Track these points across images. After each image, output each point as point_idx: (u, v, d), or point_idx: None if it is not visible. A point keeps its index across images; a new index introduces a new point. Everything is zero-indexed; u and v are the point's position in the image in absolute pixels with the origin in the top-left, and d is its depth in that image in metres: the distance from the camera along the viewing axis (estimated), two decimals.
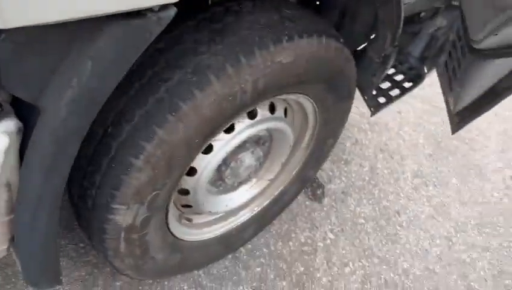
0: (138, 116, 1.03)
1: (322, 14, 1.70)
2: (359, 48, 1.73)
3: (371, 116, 1.82)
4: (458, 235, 2.17)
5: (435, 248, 2.07)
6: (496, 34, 1.49)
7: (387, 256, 1.98)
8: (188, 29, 1.11)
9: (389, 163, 2.46)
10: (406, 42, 2.00)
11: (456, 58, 1.86)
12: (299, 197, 2.11)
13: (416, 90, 2.67)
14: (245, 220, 1.69)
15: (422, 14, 1.79)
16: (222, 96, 1.06)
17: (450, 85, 1.95)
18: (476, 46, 1.58)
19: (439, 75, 2.14)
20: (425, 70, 2.03)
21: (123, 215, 1.12)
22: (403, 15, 1.35)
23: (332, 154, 2.42)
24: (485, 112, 1.89)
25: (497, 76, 1.76)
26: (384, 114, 2.77)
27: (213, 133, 1.14)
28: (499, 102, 1.83)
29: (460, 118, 1.92)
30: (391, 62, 1.57)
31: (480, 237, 2.19)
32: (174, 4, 0.78)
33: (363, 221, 2.10)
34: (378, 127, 2.69)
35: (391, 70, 1.99)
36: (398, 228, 2.12)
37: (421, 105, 2.96)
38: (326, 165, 2.34)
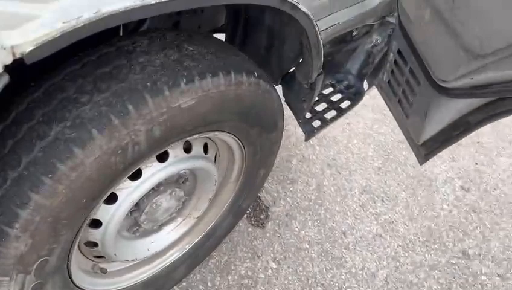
0: (11, 179, 0.91)
1: (250, 36, 1.61)
2: (291, 70, 1.65)
3: (305, 140, 1.73)
4: (406, 254, 2.12)
5: (381, 271, 2.01)
6: (472, 78, 1.39)
7: (331, 283, 1.91)
8: (71, 75, 0.98)
9: (336, 179, 2.39)
10: (343, 60, 1.92)
11: (405, 81, 1.75)
12: (241, 224, 2.02)
13: (366, 99, 2.61)
14: (174, 259, 1.58)
15: (355, 32, 1.72)
16: (108, 151, 0.94)
17: (404, 111, 1.84)
18: (443, 85, 1.48)
19: (383, 93, 2.05)
20: (365, 88, 1.96)
21: (7, 286, 0.99)
22: (321, 44, 1.26)
23: (278, 173, 2.34)
24: (454, 143, 1.80)
25: (466, 109, 1.67)
26: (333, 126, 2.70)
27: (105, 189, 1.03)
28: (469, 134, 1.74)
29: (427, 149, 1.82)
30: (318, 89, 1.49)
31: (429, 254, 2.14)
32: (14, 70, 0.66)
33: (307, 246, 2.02)
34: (326, 141, 2.62)
35: (328, 90, 1.91)
36: (344, 251, 2.05)
37: (371, 114, 2.91)
38: (272, 186, 2.26)
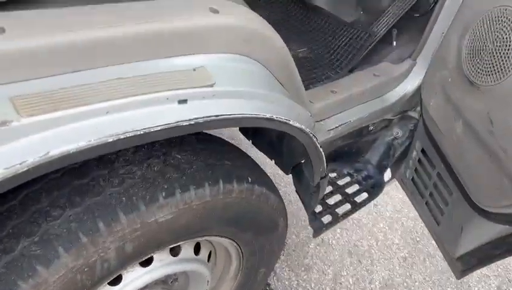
0: None
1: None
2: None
3: (313, 237, 1.63)
4: None
5: None
6: None
7: None
8: (50, 184, 0.97)
9: (356, 269, 2.23)
10: (362, 149, 1.83)
11: (433, 185, 1.58)
12: None
13: None
14: None
15: (371, 127, 1.64)
16: (74, 269, 0.90)
17: (433, 216, 1.65)
18: (485, 208, 1.33)
19: (407, 191, 1.88)
20: (385, 180, 1.85)
21: None
22: (321, 152, 1.20)
23: (294, 258, 2.22)
24: (496, 261, 1.60)
25: (509, 230, 1.49)
26: None
27: None
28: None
29: (464, 265, 1.61)
30: (323, 192, 1.41)
31: None
32: None
33: None
34: (349, 224, 2.48)
35: (345, 180, 1.81)
36: None
37: (401, 196, 2.74)
38: (284, 272, 2.14)
